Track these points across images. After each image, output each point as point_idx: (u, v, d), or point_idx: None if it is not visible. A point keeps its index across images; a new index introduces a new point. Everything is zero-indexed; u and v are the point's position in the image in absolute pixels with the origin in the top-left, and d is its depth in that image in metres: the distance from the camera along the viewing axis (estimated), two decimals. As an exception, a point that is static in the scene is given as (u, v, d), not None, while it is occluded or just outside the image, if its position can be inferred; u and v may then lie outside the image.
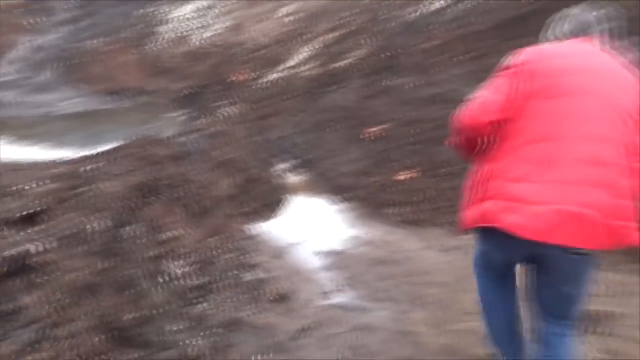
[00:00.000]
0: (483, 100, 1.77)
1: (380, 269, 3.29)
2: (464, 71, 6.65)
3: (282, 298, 2.88)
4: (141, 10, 12.28)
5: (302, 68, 8.10)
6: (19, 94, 9.14)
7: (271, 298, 2.87)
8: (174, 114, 7.36)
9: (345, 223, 4.12)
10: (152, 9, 12.11)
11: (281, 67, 8.57)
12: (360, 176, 4.80)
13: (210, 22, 11.21)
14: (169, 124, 6.14)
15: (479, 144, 1.83)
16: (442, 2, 8.96)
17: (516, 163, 1.69)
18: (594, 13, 1.97)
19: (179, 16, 11.68)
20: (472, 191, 1.82)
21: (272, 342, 2.54)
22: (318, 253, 3.51)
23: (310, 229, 3.94)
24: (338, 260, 3.42)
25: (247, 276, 3.01)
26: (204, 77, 9.16)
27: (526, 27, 7.08)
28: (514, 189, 1.66)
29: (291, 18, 10.51)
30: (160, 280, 2.58)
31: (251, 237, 3.65)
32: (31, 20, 12.51)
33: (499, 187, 1.70)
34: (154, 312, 2.37)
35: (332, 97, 6.88)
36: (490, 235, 1.76)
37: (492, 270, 2.01)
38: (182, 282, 2.68)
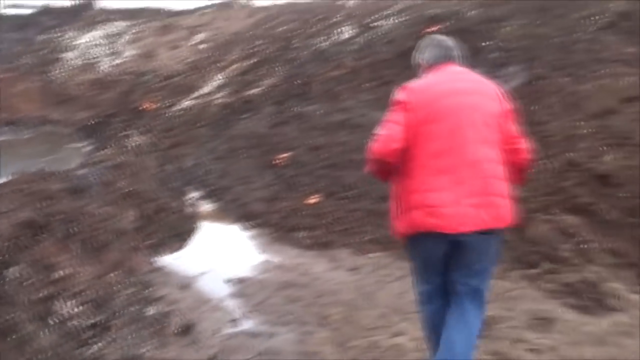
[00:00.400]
0: (387, 133, 2.13)
1: (288, 292, 3.34)
2: (371, 97, 7.01)
3: (187, 330, 2.82)
4: (45, 36, 11.66)
5: (216, 95, 8.10)
6: None
7: (175, 331, 2.81)
8: (79, 145, 7.02)
9: (256, 249, 4.14)
10: (57, 35, 11.54)
11: (194, 94, 8.51)
12: (271, 202, 4.86)
13: (120, 48, 10.89)
14: (72, 155, 5.83)
15: (390, 167, 2.19)
16: (351, 32, 9.45)
17: (428, 177, 2.10)
18: (452, 42, 2.39)
19: (86, 42, 11.22)
20: (397, 205, 2.21)
21: (175, 376, 2.48)
22: (227, 281, 3.49)
23: (220, 256, 3.92)
24: (247, 286, 3.42)
25: (150, 310, 2.92)
26: (113, 105, 8.84)
27: (425, 56, 7.65)
28: (432, 198, 2.08)
29: (205, 45, 10.50)
30: (50, 322, 2.44)
31: (157, 270, 3.56)
32: None
33: (420, 199, 2.10)
34: (41, 357, 2.23)
35: (245, 124, 6.93)
36: (421, 240, 2.17)
37: (433, 277, 2.29)
38: (75, 322, 2.55)
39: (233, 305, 3.17)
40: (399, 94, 2.20)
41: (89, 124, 8.02)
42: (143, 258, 3.66)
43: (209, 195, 5.26)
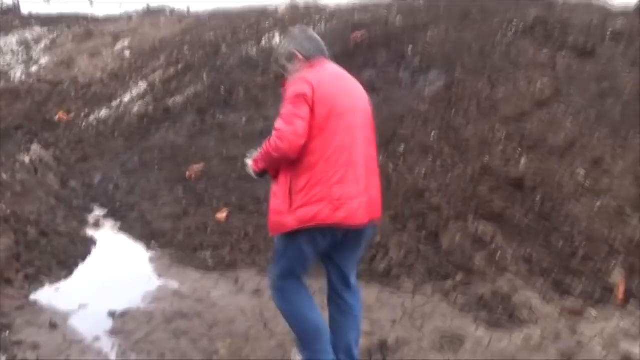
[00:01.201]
0: (293, 129, 2.00)
1: (177, 325, 2.90)
2: (296, 104, 6.69)
3: (41, 381, 2.34)
4: (-50, 43, 10.58)
5: (135, 104, 7.50)
6: None
7: (26, 384, 2.32)
8: (-27, 161, 6.22)
9: (154, 272, 3.67)
10: (-36, 42, 10.50)
11: (113, 103, 7.87)
12: (178, 218, 4.40)
13: (36, 56, 10.02)
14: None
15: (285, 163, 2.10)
16: (280, 38, 9.12)
17: (331, 170, 2.06)
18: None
19: (-3, 50, 10.26)
20: (289, 199, 2.07)
21: None
22: (110, 314, 3.01)
23: (109, 285, 3.42)
24: (130, 319, 2.95)
25: (-3, 360, 2.41)
26: (24, 116, 8.02)
27: (352, 61, 7.40)
28: (337, 191, 2.05)
29: (128, 52, 9.83)
30: None
31: (25, 306, 3.02)
32: None
33: (325, 192, 2.05)
34: None
35: (163, 134, 6.42)
36: (313, 234, 2.09)
37: (303, 271, 2.25)
38: None
39: (108, 345, 2.70)
40: (300, 87, 2.06)
41: (-10, 138, 7.20)
42: (11, 292, 3.11)
43: (112, 214, 4.73)
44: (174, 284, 3.44)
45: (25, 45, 10.35)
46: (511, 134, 4.50)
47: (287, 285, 2.21)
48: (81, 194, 5.21)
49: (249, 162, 2.25)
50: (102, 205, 4.98)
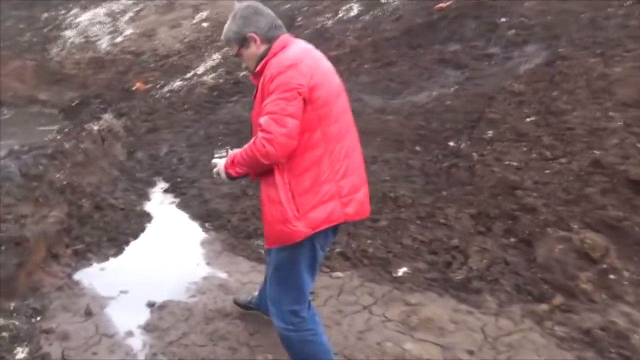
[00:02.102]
0: (287, 132, 1.73)
1: (217, 326, 2.51)
2: (369, 80, 6.03)
3: (61, 382, 2.04)
4: (47, 14, 11.01)
5: (207, 77, 7.25)
6: None
7: (44, 384, 2.03)
8: (54, 127, 6.29)
9: (203, 259, 3.31)
10: (60, 12, 10.87)
11: (188, 75, 7.68)
12: (237, 198, 4.01)
13: (121, 27, 10.13)
14: (32, 140, 5.01)
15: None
16: (359, 8, 8.42)
17: (336, 163, 1.85)
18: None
19: (88, 20, 10.51)
20: (293, 203, 1.80)
21: None
22: (147, 305, 2.68)
23: (154, 269, 3.11)
24: (168, 314, 2.60)
25: (18, 353, 2.14)
26: (106, 85, 8.10)
27: (434, 34, 6.57)
28: (345, 185, 1.86)
29: (206, 24, 9.64)
30: None
31: (65, 287, 2.78)
32: None
33: (334, 188, 1.84)
34: None
35: (231, 107, 6.08)
36: (324, 235, 1.87)
37: (311, 283, 2.00)
38: None
39: (139, 344, 2.36)
40: (292, 77, 1.75)
41: (73, 105, 7.30)
42: (55, 270, 2.89)
43: (172, 189, 4.45)
44: (221, 275, 3.05)
45: (112, 16, 10.50)
46: (630, 123, 3.58)
47: (303, 323, 1.95)
48: (145, 166, 5.00)
49: (220, 162, 1.89)
50: (165, 179, 4.72)
